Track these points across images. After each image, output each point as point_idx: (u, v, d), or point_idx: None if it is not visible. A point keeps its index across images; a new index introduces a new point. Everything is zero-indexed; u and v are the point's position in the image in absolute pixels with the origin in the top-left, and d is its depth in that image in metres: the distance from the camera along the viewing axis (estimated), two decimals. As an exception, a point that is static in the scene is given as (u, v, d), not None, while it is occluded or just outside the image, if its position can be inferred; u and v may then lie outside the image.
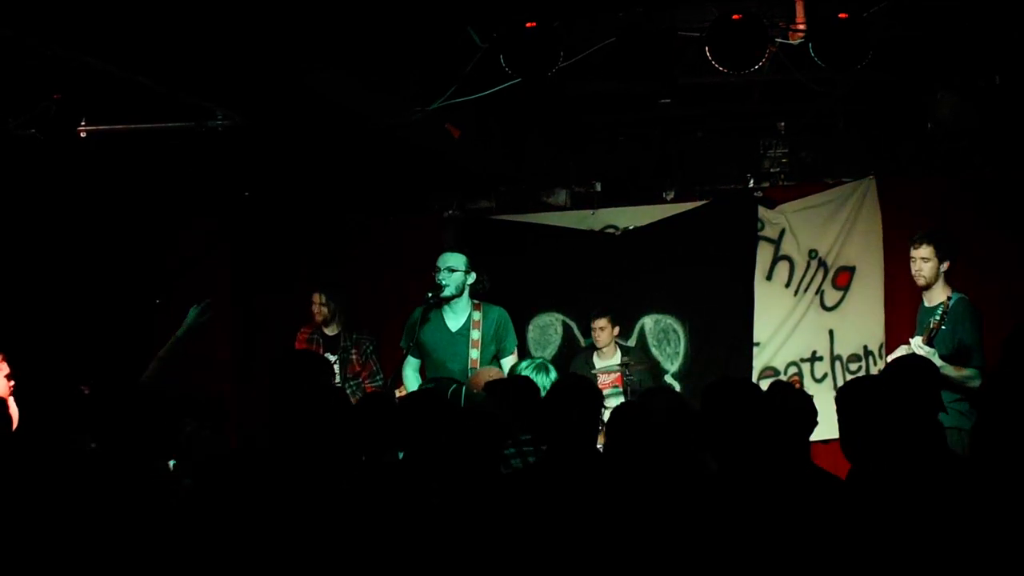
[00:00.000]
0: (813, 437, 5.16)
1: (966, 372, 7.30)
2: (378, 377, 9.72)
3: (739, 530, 4.39)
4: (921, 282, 7.83)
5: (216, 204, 10.00)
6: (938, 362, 7.22)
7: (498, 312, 7.90)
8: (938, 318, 7.42)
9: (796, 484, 4.73)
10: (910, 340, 7.58)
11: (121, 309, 9.50)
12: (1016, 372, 5.69)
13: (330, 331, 9.79)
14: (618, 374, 9.77)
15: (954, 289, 7.69)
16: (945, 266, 7.70)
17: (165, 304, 9.63)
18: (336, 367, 9.62)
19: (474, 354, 7.73)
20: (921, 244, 7.78)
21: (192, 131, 8.27)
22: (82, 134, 8.04)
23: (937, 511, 4.21)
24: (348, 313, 9.92)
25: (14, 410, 5.42)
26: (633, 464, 4.92)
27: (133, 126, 8.27)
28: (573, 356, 10.65)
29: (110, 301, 9.45)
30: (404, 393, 7.82)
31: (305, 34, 7.05)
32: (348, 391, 9.56)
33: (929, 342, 7.41)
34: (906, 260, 9.12)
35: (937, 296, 7.70)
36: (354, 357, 9.72)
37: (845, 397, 5.00)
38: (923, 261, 7.75)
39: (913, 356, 6.78)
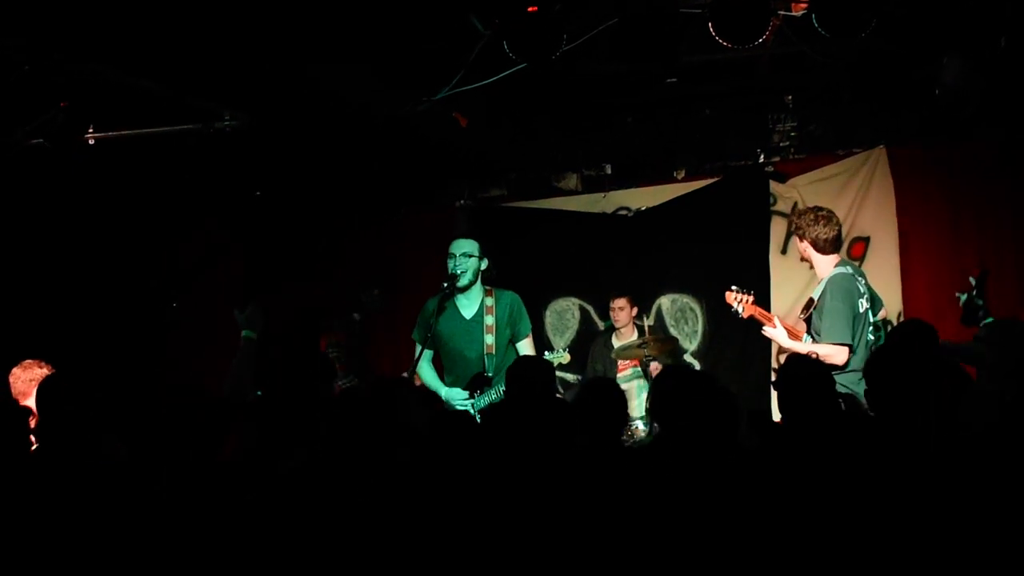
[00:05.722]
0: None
1: (821, 349, 7.09)
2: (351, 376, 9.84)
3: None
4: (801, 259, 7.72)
5: (228, 204, 10.01)
6: (787, 342, 7.42)
7: (511, 297, 7.87)
8: (817, 296, 7.39)
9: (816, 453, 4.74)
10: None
11: (138, 313, 9.52)
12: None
13: None
14: (639, 356, 9.78)
15: (838, 264, 7.46)
16: (804, 245, 7.46)
17: (182, 306, 9.66)
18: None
19: (489, 340, 7.71)
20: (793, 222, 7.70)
21: (200, 133, 8.28)
22: (90, 141, 8.05)
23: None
24: None
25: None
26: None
27: (141, 131, 8.28)
28: (592, 340, 10.66)
29: (126, 305, 9.47)
30: (420, 383, 7.83)
31: (309, 28, 7.07)
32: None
33: (808, 319, 7.42)
34: (920, 228, 9.18)
35: (821, 273, 7.48)
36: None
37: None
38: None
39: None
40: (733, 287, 7.67)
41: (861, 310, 7.25)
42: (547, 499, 4.38)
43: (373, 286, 10.12)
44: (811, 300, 7.48)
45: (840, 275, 7.31)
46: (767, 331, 7.54)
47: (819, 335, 7.24)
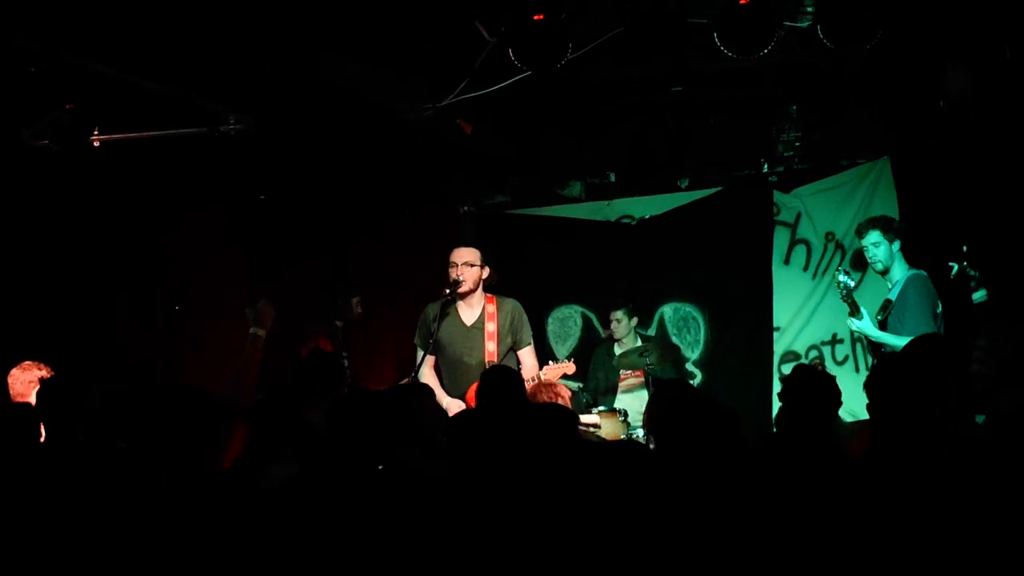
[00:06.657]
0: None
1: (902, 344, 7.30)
2: None
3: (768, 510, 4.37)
4: (879, 267, 7.86)
5: (231, 206, 10.00)
6: (874, 333, 7.54)
7: (512, 304, 7.87)
8: (894, 297, 7.50)
9: (820, 463, 4.72)
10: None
11: (139, 313, 9.51)
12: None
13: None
14: (641, 366, 9.77)
15: (912, 267, 7.68)
16: (897, 246, 7.67)
17: (184, 309, 9.64)
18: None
19: (490, 347, 7.71)
20: (866, 231, 7.80)
21: (205, 136, 8.28)
22: (95, 143, 8.05)
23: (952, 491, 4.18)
24: None
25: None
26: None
27: (146, 134, 8.28)
28: (594, 347, 10.66)
29: (128, 305, 9.46)
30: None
31: (315, 28, 7.07)
32: None
33: (884, 321, 7.55)
34: (924, 238, 9.15)
35: (896, 276, 7.69)
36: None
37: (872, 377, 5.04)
38: (875, 247, 7.75)
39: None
40: (847, 269, 7.73)
41: (939, 310, 7.32)
42: (531, 508, 4.35)
43: (353, 293, 10.11)
44: (887, 302, 7.57)
45: (918, 275, 7.46)
46: (852, 322, 7.63)
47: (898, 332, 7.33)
